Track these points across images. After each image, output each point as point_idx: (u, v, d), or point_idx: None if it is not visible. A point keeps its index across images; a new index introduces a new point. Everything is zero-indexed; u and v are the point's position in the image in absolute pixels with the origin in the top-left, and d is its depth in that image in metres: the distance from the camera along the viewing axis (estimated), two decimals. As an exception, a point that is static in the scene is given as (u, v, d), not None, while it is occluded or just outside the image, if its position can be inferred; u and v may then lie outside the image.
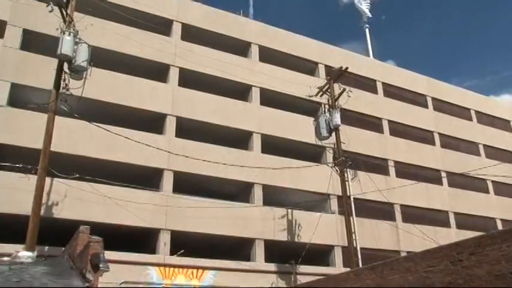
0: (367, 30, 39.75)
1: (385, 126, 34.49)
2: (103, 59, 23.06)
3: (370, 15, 39.50)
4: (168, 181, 24.67)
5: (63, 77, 17.09)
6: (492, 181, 36.85)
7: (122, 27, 26.63)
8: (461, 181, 35.18)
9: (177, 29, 29.08)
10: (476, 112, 40.96)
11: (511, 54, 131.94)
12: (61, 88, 16.91)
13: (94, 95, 22.99)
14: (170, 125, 26.21)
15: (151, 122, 26.43)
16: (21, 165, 17.93)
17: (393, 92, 36.38)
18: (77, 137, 22.86)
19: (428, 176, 34.00)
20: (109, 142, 22.74)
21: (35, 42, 24.11)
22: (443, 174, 34.73)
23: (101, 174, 21.18)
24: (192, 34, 29.35)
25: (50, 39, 20.23)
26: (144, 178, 24.48)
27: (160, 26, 28.11)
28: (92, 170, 21.23)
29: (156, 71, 27.66)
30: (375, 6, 41.22)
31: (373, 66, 37.43)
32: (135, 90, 25.97)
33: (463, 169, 34.31)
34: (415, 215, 31.77)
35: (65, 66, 17.23)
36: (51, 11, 16.78)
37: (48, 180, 17.68)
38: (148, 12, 28.23)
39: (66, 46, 16.78)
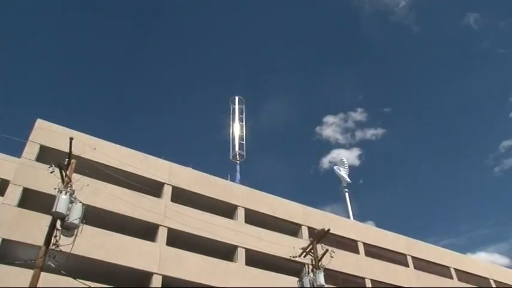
0: (346, 194, 41.13)
1: (368, 284, 33.66)
2: (96, 216, 23.03)
3: (349, 181, 41.31)
4: None
5: (54, 234, 16.40)
6: None
7: (115, 188, 26.92)
8: None
9: (167, 191, 29.60)
10: (456, 270, 40.19)
11: (483, 214, 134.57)
12: (51, 244, 16.14)
13: (83, 252, 22.05)
14: (156, 283, 25.10)
15: (139, 280, 25.41)
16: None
17: (374, 251, 36.10)
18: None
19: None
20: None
21: (31, 199, 24.15)
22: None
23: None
24: (181, 196, 29.75)
25: (46, 196, 20.35)
26: None
27: (152, 187, 28.64)
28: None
29: (146, 230, 27.34)
30: (353, 171, 43.89)
31: (354, 227, 37.50)
32: (123, 248, 25.32)
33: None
34: None
35: (58, 223, 16.68)
36: (52, 172, 16.82)
37: None
38: (142, 175, 28.94)
39: (61, 204, 16.43)
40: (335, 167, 42.73)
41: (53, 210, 16.13)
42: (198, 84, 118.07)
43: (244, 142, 38.69)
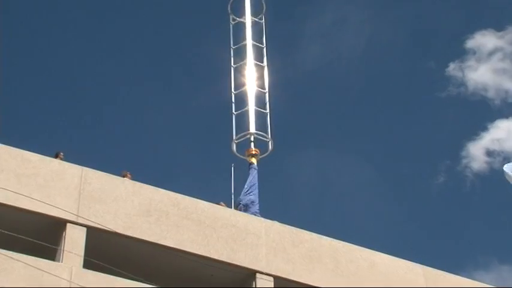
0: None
1: None
2: None
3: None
4: None
5: None
6: None
7: None
8: None
9: (75, 239, 18.41)
10: None
11: None
12: None
13: None
14: None
15: None
16: None
17: None
18: None
19: None
20: None
21: None
22: None
23: None
24: (110, 252, 19.29)
25: None
26: None
27: (38, 235, 18.02)
28: None
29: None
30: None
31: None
32: None
33: None
34: None
35: None
36: None
37: None
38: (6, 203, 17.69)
39: None
40: (507, 168, 27.88)
41: None
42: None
43: (267, 110, 26.98)
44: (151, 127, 54.18)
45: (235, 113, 27.23)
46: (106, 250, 18.88)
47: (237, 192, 25.20)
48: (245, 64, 28.30)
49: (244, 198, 23.89)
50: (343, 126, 57.07)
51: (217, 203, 22.37)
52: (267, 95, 27.97)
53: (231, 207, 23.96)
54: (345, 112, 57.59)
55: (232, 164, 26.41)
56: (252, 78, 27.85)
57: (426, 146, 57.05)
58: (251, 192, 24.72)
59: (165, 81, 56.59)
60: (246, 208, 23.78)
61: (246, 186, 24.57)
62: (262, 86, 28.41)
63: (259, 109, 27.88)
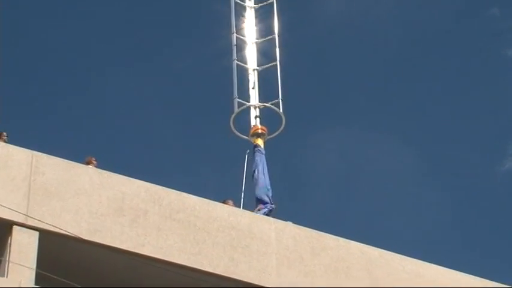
0: None
1: None
2: None
3: None
4: None
5: None
6: None
7: None
8: None
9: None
10: None
11: None
12: None
13: None
14: None
15: None
16: None
17: None
18: None
19: None
20: None
21: None
22: None
23: None
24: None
25: None
26: None
27: None
28: None
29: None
30: None
31: None
32: None
33: None
34: None
35: None
36: None
37: None
38: None
39: None
40: None
41: None
42: None
43: (276, 61, 23.33)
44: (122, 98, 44.15)
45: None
46: (65, 260, 16.49)
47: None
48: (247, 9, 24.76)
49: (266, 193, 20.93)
50: (374, 97, 46.44)
51: (224, 201, 19.54)
52: (276, 40, 24.24)
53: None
54: (377, 79, 46.53)
55: (247, 151, 23.08)
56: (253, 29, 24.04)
57: (487, 122, 45.74)
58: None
59: (140, 40, 46.73)
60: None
61: (259, 176, 21.73)
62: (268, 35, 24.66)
63: (266, 66, 24.24)
